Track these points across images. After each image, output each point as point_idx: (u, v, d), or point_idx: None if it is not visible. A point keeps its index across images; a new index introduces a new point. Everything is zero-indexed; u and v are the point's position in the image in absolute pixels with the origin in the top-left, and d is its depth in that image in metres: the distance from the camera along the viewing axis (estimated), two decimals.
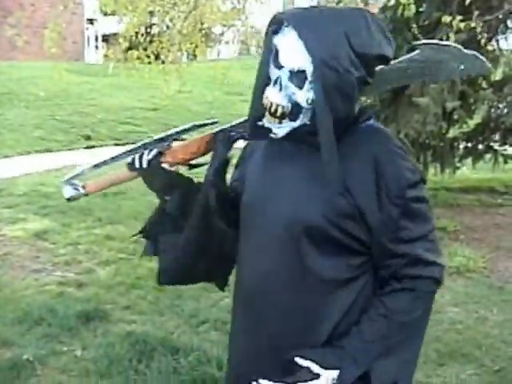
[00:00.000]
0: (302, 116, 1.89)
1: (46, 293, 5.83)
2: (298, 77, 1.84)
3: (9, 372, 4.45)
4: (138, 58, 7.29)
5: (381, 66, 1.92)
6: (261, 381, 1.93)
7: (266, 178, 2.02)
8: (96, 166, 2.25)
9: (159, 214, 2.26)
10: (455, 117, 9.34)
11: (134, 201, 8.56)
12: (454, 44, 2.10)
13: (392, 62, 1.98)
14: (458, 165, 9.84)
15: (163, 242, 2.25)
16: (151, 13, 7.07)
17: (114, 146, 12.74)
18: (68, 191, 2.25)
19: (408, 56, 2.08)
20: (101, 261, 6.59)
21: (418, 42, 2.10)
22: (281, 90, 1.87)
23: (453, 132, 9.72)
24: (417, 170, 1.93)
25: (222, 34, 19.27)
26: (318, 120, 1.83)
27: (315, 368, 1.88)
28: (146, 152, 2.19)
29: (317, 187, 1.89)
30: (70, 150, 12.71)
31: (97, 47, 27.48)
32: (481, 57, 2.09)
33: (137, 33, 7.78)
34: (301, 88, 1.85)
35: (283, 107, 1.87)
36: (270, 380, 1.93)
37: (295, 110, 1.87)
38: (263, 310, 1.97)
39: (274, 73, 1.89)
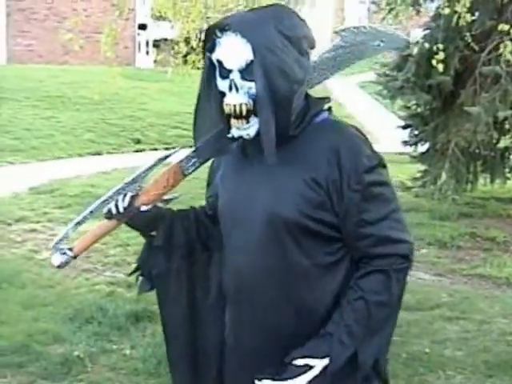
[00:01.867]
0: None
1: (97, 292, 5.94)
2: (248, 72, 1.94)
3: (60, 367, 4.55)
4: (193, 62, 7.38)
5: (313, 60, 2.12)
6: (264, 381, 1.97)
7: (238, 182, 2.10)
8: (78, 223, 2.25)
9: (148, 249, 2.29)
10: (506, 126, 9.26)
11: (181, 204, 8.64)
12: (369, 25, 2.25)
13: (320, 54, 2.18)
14: (509, 175, 9.74)
15: (157, 276, 2.28)
16: (208, 18, 7.13)
17: (163, 149, 12.86)
18: (57, 258, 2.22)
19: (332, 45, 2.22)
20: None
21: (337, 29, 2.24)
22: (237, 91, 1.97)
23: (504, 142, 9.63)
24: (373, 155, 2.01)
25: None
26: (258, 97, 1.93)
27: (309, 361, 1.95)
28: (119, 198, 2.20)
29: (287, 182, 1.99)
30: (120, 153, 12.87)
31: (147, 52, 27.76)
32: (395, 31, 2.24)
33: (188, 38, 7.86)
34: (254, 81, 1.94)
35: (246, 104, 1.96)
36: (269, 377, 1.97)
37: (257, 104, 1.96)
38: (253, 308, 2.04)
39: (223, 84, 1.99)
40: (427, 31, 8.98)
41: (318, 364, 1.94)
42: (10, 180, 10.31)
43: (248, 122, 1.98)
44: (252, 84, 1.93)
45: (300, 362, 1.95)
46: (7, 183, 9.97)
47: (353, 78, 21.68)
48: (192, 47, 7.41)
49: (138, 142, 13.98)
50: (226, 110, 1.98)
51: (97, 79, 15.87)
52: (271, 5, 2.09)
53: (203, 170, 2.31)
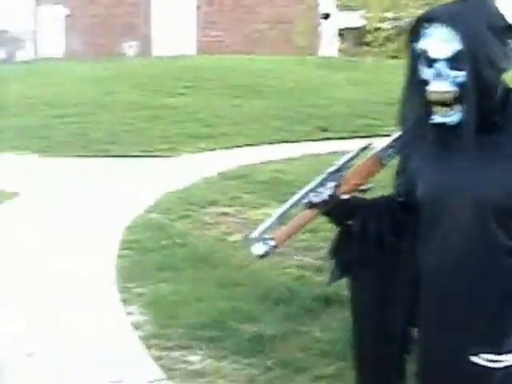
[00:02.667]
0: None
1: (287, 275, 6.08)
2: (455, 61, 2.01)
3: (252, 344, 4.71)
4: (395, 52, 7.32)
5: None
6: (483, 355, 2.03)
7: (440, 170, 2.13)
8: (281, 215, 2.24)
9: (341, 238, 2.34)
10: None
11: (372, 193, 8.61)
12: None
13: None
14: None
15: (350, 264, 2.33)
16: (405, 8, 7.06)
17: (351, 138, 12.87)
18: (259, 248, 2.19)
19: None
20: None
21: None
22: (443, 79, 2.04)
23: None
24: None
25: None
26: (466, 87, 1.99)
27: None
28: (322, 189, 2.23)
29: (492, 168, 2.03)
30: (307, 140, 12.99)
31: (332, 42, 27.82)
32: None
33: (378, 28, 7.80)
34: (462, 70, 2.00)
35: (450, 92, 2.03)
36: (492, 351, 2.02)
37: (463, 92, 2.02)
38: (459, 283, 2.08)
39: (428, 72, 2.07)
40: None
41: None
42: (200, 165, 10.71)
43: (452, 110, 2.04)
44: (459, 73, 2.01)
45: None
46: (198, 168, 10.37)
47: None
48: (387, 36, 7.36)
49: (325, 130, 14.03)
50: (431, 97, 2.06)
51: (283, 68, 16.17)
52: None
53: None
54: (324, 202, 2.22)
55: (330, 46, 26.79)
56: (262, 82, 16.90)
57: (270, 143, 12.62)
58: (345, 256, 2.33)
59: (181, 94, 16.31)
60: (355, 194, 2.33)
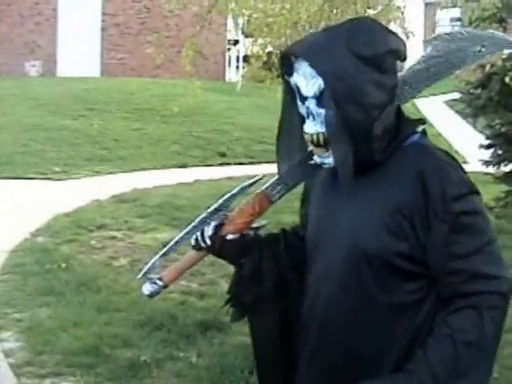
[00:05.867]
0: None
1: (170, 300, 6.04)
2: (323, 100, 1.86)
3: (127, 371, 4.67)
4: (272, 79, 7.41)
5: (401, 74, 1.97)
6: None
7: (325, 209, 2.02)
8: (165, 254, 2.21)
9: (237, 279, 2.20)
10: None
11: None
12: (465, 29, 2.08)
13: (410, 66, 2.03)
14: None
15: (248, 305, 2.20)
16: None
17: (248, 164, 12.96)
18: (147, 288, 2.18)
19: (423, 56, 2.06)
20: (224, 274, 6.73)
21: (427, 39, 2.08)
22: (314, 119, 1.90)
23: None
24: (464, 182, 1.87)
25: None
26: (328, 131, 1.86)
27: None
28: (205, 229, 2.14)
29: (370, 212, 1.89)
30: (205, 166, 13.04)
31: (237, 67, 28.07)
32: (497, 33, 2.05)
33: (270, 53, 7.89)
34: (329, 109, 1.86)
35: (323, 133, 1.88)
36: None
37: (331, 133, 1.88)
38: (328, 335, 1.95)
39: (303, 109, 1.93)
40: None
41: None
42: (94, 188, 10.60)
43: (327, 151, 1.91)
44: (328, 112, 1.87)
45: None
46: (91, 191, 10.26)
47: (440, 96, 21.39)
48: (273, 62, 7.46)
49: (224, 155, 14.12)
50: (306, 138, 1.94)
51: (185, 93, 16.13)
52: (352, 19, 2.04)
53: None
54: (206, 243, 2.13)
55: (236, 71, 27.02)
56: (165, 105, 16.86)
57: (166, 167, 12.61)
58: (241, 297, 2.19)
59: (81, 115, 16.13)
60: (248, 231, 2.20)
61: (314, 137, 1.90)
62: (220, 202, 2.18)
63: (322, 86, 1.85)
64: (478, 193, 1.90)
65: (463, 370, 1.80)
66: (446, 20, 24.65)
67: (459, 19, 14.10)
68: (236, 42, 26.96)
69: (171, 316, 5.59)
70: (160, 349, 5.04)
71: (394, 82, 1.90)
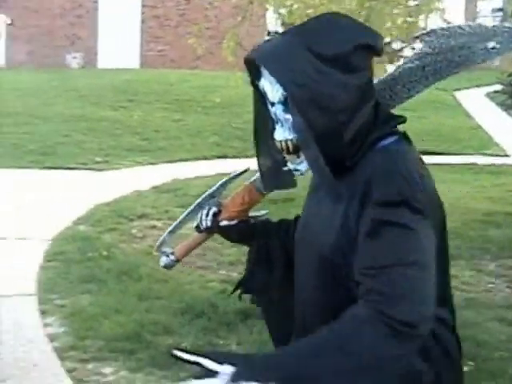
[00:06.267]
0: None
1: (210, 289, 6.12)
2: (288, 105, 1.79)
3: (168, 357, 4.71)
4: None
5: (390, 73, 1.93)
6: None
7: (307, 212, 2.03)
8: (171, 231, 2.43)
9: (248, 265, 2.33)
10: None
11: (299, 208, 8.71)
12: (469, 23, 1.89)
13: (399, 64, 1.94)
14: None
15: (260, 291, 2.30)
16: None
17: None
18: (162, 260, 2.42)
19: (415, 53, 1.94)
20: None
21: (417, 34, 1.94)
22: (283, 125, 1.84)
23: None
24: (401, 193, 1.69)
25: (401, 49, 19.05)
26: (297, 138, 1.80)
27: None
28: (203, 213, 2.32)
29: (333, 217, 1.81)
30: (244, 157, 13.07)
31: None
32: None
33: None
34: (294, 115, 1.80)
35: (291, 140, 1.83)
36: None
37: (298, 139, 1.82)
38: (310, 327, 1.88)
39: (272, 114, 1.88)
40: None
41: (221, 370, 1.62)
42: (134, 178, 10.70)
43: (299, 157, 1.85)
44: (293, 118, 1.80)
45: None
46: (133, 182, 10.35)
47: (483, 88, 21.15)
48: None
49: None
50: (277, 145, 1.87)
51: (224, 84, 16.19)
52: (314, 17, 1.92)
53: None
54: (207, 228, 2.31)
55: None
56: (205, 97, 16.95)
57: (206, 158, 12.67)
58: (250, 284, 2.31)
59: (122, 107, 16.29)
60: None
61: (283, 144, 1.84)
62: (213, 188, 2.38)
63: (285, 94, 1.78)
64: (417, 210, 1.68)
65: (315, 375, 1.59)
66: (488, 10, 24.38)
67: (500, 9, 13.94)
68: (276, 33, 26.92)
69: (211, 304, 5.64)
70: (200, 336, 5.10)
71: (364, 80, 1.78)
